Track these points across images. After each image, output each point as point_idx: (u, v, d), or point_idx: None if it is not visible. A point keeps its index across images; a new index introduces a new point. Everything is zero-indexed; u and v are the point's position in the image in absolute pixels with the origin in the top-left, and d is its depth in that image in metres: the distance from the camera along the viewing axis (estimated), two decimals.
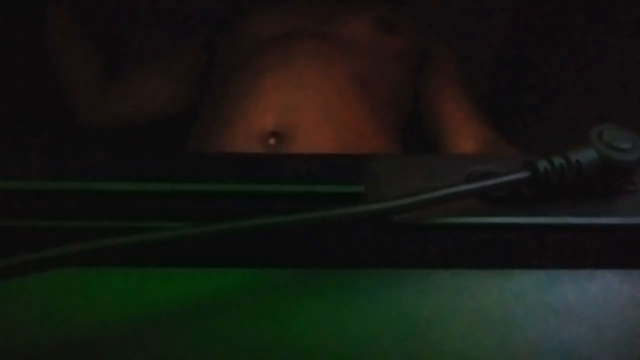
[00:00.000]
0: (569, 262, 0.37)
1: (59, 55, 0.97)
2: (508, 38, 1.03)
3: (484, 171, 0.40)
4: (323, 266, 0.37)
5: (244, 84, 0.84)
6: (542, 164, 0.38)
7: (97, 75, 1.00)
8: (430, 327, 0.35)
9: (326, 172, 0.42)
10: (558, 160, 0.38)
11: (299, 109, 0.80)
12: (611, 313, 0.35)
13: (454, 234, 0.38)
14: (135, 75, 1.01)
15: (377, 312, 0.35)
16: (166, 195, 0.40)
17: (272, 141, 0.78)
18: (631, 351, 0.34)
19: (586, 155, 0.38)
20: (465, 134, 0.91)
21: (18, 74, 0.92)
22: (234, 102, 0.83)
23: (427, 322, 0.35)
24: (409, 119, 0.93)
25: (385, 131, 0.86)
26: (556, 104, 0.94)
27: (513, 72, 1.03)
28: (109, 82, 1.00)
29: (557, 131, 0.87)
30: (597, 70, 0.89)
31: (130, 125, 1.00)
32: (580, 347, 0.34)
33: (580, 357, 0.34)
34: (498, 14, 1.03)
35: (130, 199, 0.39)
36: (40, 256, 0.31)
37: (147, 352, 0.33)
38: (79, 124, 0.98)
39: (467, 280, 0.36)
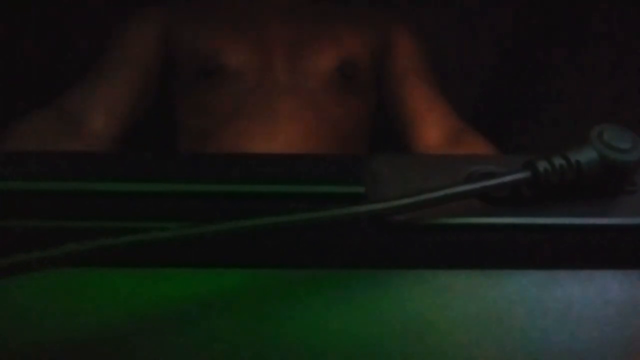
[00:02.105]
0: (569, 263, 0.37)
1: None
2: (508, 38, 1.03)
3: (484, 171, 0.40)
4: (323, 266, 0.37)
5: (221, 128, 0.88)
6: (542, 164, 0.38)
7: None
8: (431, 327, 0.35)
9: (326, 173, 0.42)
10: (558, 161, 0.38)
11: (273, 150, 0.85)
12: (611, 313, 0.35)
13: (454, 234, 0.38)
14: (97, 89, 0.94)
15: (378, 312, 0.35)
16: (166, 196, 0.40)
17: None
18: (631, 351, 0.34)
19: (586, 156, 0.38)
20: (430, 122, 0.93)
21: (18, 74, 0.92)
22: (211, 140, 0.88)
23: (427, 322, 0.35)
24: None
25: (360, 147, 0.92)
26: (556, 104, 0.94)
27: (513, 72, 1.03)
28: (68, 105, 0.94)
29: (557, 131, 0.87)
30: (597, 70, 0.89)
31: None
32: (580, 347, 0.34)
33: (580, 357, 0.34)
34: (498, 14, 1.03)
35: (129, 200, 0.39)
36: (41, 256, 0.31)
37: (147, 353, 0.33)
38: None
39: (467, 281, 0.36)
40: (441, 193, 0.36)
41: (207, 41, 0.92)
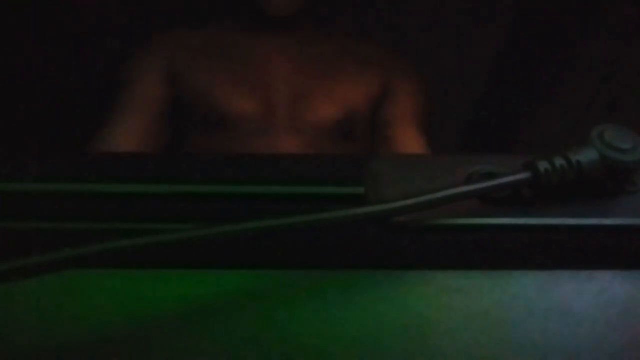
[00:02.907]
0: (570, 263, 0.37)
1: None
2: (508, 38, 1.03)
3: (484, 172, 0.40)
4: (324, 267, 0.37)
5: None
6: (543, 165, 0.38)
7: None
8: (432, 328, 0.35)
9: (326, 174, 0.42)
10: (559, 161, 0.38)
11: None
12: (611, 313, 0.35)
13: (454, 234, 0.38)
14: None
15: (378, 312, 0.35)
16: (167, 197, 0.40)
17: None
18: (632, 352, 0.34)
19: (587, 156, 0.38)
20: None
21: (18, 75, 0.92)
22: None
23: (428, 323, 0.35)
24: None
25: None
26: (556, 104, 0.94)
27: (513, 72, 1.03)
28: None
29: (557, 131, 0.87)
30: (597, 70, 0.89)
31: None
32: (580, 348, 0.34)
33: (580, 358, 0.34)
34: (499, 14, 1.03)
35: (130, 201, 0.39)
36: (51, 258, 0.31)
37: (148, 354, 0.33)
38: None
39: (468, 281, 0.36)
40: (442, 194, 0.36)
41: (211, 89, 0.96)
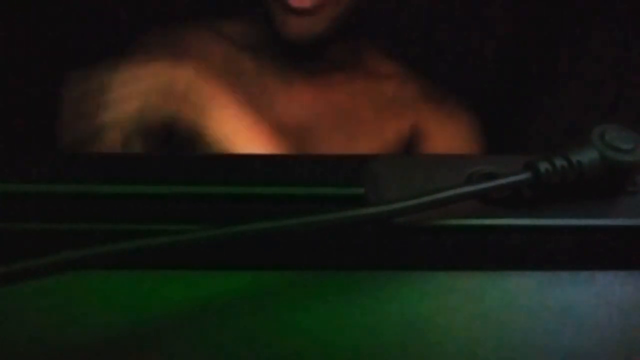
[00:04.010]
0: (570, 264, 0.37)
1: None
2: (508, 37, 1.03)
3: (485, 172, 0.40)
4: (324, 268, 0.37)
5: None
6: (543, 165, 0.38)
7: None
8: (432, 329, 0.35)
9: (326, 174, 0.41)
10: (559, 161, 0.38)
11: None
12: (612, 314, 0.35)
13: (454, 235, 0.38)
14: None
15: (379, 314, 0.35)
16: (163, 198, 0.40)
17: None
18: (633, 353, 0.34)
19: (587, 156, 0.38)
20: None
21: (18, 76, 0.92)
22: None
23: (428, 324, 0.35)
24: None
25: None
26: (557, 104, 0.94)
27: (513, 71, 1.03)
28: None
29: (557, 131, 0.87)
30: (598, 70, 0.89)
31: None
32: (581, 349, 0.34)
33: (581, 358, 0.34)
34: (499, 13, 1.03)
35: (127, 202, 0.39)
36: (51, 260, 0.31)
37: (149, 355, 0.33)
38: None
39: (468, 282, 0.36)
40: (442, 195, 0.36)
41: (206, 122, 0.78)
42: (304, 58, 0.84)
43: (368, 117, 0.85)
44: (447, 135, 0.87)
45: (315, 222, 0.35)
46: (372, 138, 0.84)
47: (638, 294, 0.36)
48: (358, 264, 0.37)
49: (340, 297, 0.36)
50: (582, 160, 0.38)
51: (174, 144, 0.83)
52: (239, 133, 0.79)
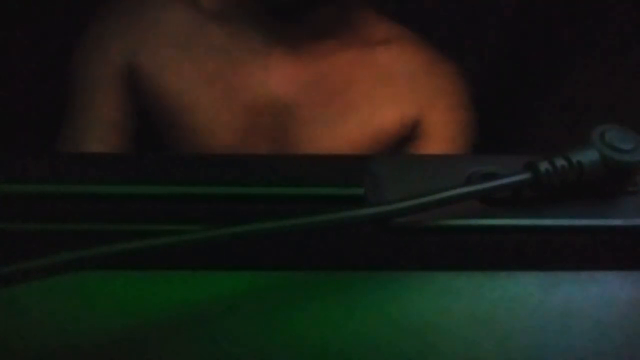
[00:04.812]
0: (571, 264, 0.37)
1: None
2: (508, 37, 1.03)
3: (485, 172, 0.40)
4: (324, 269, 0.37)
5: None
6: (544, 165, 0.38)
7: None
8: (432, 330, 0.35)
9: (326, 174, 0.41)
10: (559, 162, 0.38)
11: None
12: (613, 314, 0.35)
13: (454, 236, 0.38)
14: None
15: (379, 314, 0.35)
16: (163, 199, 0.40)
17: None
18: (633, 353, 0.34)
19: (588, 156, 0.38)
20: None
21: (18, 76, 0.92)
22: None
23: (428, 325, 0.35)
24: None
25: None
26: (557, 104, 0.94)
27: (513, 71, 1.03)
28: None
29: (557, 131, 0.87)
30: (598, 70, 0.89)
31: None
32: (582, 349, 0.34)
33: (581, 359, 0.34)
34: (499, 12, 1.03)
35: (127, 203, 0.39)
36: (51, 261, 0.31)
37: (150, 355, 0.33)
38: None
39: (468, 283, 0.36)
40: (442, 195, 0.36)
41: (180, 95, 0.74)
42: (283, 23, 0.74)
43: (360, 93, 0.75)
44: (448, 136, 0.79)
45: (315, 222, 0.35)
46: (365, 120, 0.75)
47: (638, 294, 0.36)
48: (358, 264, 0.37)
49: (340, 297, 0.36)
50: (582, 161, 0.38)
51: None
52: (203, 109, 0.73)
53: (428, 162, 0.42)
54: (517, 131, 0.97)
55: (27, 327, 0.34)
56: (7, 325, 0.34)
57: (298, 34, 0.75)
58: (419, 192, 0.36)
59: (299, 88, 0.75)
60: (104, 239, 0.32)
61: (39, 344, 0.34)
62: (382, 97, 0.76)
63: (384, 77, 0.77)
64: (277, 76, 0.75)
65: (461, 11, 1.03)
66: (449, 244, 0.38)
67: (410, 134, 0.77)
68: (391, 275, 0.36)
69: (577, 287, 0.36)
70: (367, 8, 0.81)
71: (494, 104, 1.01)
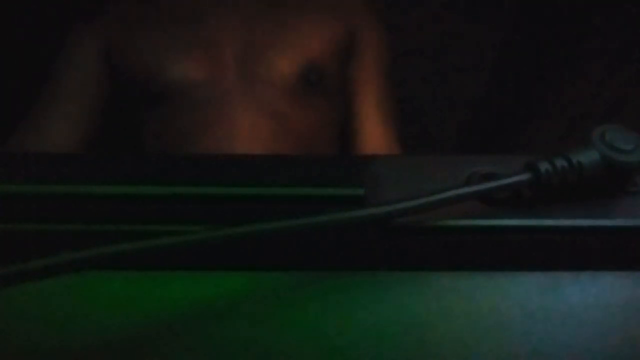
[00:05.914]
0: (571, 264, 0.37)
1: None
2: (508, 37, 1.03)
3: (485, 172, 0.40)
4: (324, 269, 0.37)
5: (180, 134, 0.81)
6: (544, 166, 0.38)
7: None
8: (431, 330, 0.35)
9: (326, 174, 0.41)
10: (560, 162, 0.38)
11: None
12: (613, 315, 0.35)
13: (454, 236, 0.38)
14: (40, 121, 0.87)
15: (379, 315, 0.35)
16: (165, 199, 0.40)
17: None
18: (634, 353, 0.34)
19: (588, 157, 0.38)
20: (367, 132, 0.89)
21: (17, 76, 0.92)
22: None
23: (428, 325, 0.35)
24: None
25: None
26: (557, 104, 0.94)
27: (514, 71, 1.03)
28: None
29: (558, 131, 0.87)
30: (598, 70, 0.89)
31: None
32: (582, 349, 0.34)
33: (581, 359, 0.34)
34: (499, 14, 1.03)
35: (127, 203, 0.39)
36: (52, 261, 0.31)
37: (153, 355, 0.33)
38: None
39: (468, 283, 0.36)
40: (442, 196, 0.36)
41: (148, 55, 0.83)
42: None
43: (308, 15, 0.88)
44: (376, 49, 0.91)
45: (315, 223, 0.35)
46: (314, 37, 0.87)
47: (638, 294, 0.36)
48: (358, 264, 0.37)
49: (340, 297, 0.36)
50: (583, 161, 0.38)
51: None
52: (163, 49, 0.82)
53: (428, 162, 0.42)
54: (517, 131, 0.97)
55: (27, 327, 0.34)
56: (7, 325, 0.34)
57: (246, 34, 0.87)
58: (419, 193, 0.36)
59: (252, 17, 0.86)
60: (104, 239, 0.33)
61: (39, 344, 0.34)
62: (322, 20, 0.89)
63: (323, 4, 0.90)
64: (232, 12, 0.86)
65: (463, 14, 1.04)
66: (449, 244, 0.38)
67: (348, 45, 0.90)
68: (391, 276, 0.36)
69: (577, 287, 0.36)
70: None
71: (494, 104, 1.01)
